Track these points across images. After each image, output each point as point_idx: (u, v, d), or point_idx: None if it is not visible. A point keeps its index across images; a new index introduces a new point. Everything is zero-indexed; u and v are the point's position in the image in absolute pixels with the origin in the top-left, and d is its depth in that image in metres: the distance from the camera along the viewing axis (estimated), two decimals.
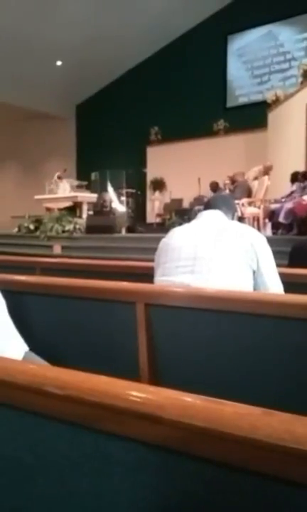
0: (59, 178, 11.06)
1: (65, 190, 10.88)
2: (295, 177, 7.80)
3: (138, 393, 0.62)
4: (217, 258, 1.80)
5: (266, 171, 8.77)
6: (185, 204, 12.16)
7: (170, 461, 0.61)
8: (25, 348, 1.25)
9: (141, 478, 0.64)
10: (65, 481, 0.71)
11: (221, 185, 10.05)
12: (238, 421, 0.56)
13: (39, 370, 0.73)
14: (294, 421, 0.55)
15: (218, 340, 1.47)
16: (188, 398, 0.61)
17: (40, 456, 0.73)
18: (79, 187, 11.25)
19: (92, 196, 10.66)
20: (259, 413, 0.57)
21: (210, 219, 2.03)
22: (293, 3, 12.00)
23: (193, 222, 2.09)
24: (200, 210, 2.27)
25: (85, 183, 11.70)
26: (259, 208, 8.28)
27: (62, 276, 1.99)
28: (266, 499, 0.56)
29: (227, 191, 9.38)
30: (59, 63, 14.15)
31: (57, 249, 8.40)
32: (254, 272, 1.84)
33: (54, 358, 1.29)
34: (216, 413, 0.57)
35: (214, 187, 10.14)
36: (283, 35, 12.94)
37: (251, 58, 13.56)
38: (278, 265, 1.92)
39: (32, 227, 9.80)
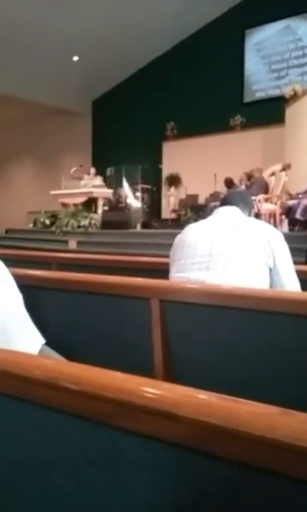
0: (96, 174, 11.12)
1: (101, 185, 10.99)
2: None
3: (153, 390, 0.62)
4: (233, 255, 1.79)
5: (285, 168, 8.71)
6: (201, 200, 12.12)
7: (186, 459, 0.61)
8: (42, 341, 1.25)
9: (156, 476, 0.63)
10: (79, 476, 0.71)
11: (236, 181, 9.98)
12: (255, 420, 0.55)
13: (54, 365, 0.72)
14: None
15: (233, 338, 1.46)
16: (204, 396, 0.60)
17: (54, 451, 0.73)
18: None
19: (108, 192, 10.68)
20: (277, 412, 0.56)
21: (227, 215, 2.01)
22: None
23: (209, 218, 2.08)
24: (215, 207, 2.25)
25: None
26: (275, 204, 8.22)
27: (77, 271, 1.99)
28: (282, 499, 0.56)
29: (243, 187, 9.32)
30: (75, 58, 14.15)
31: (72, 244, 8.44)
32: (270, 270, 1.82)
33: (68, 353, 1.29)
34: (232, 412, 0.57)
35: (229, 183, 10.08)
36: (302, 29, 12.78)
37: (269, 53, 13.42)
38: (295, 262, 1.90)
39: (48, 222, 9.87)
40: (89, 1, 11.69)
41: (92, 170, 11.31)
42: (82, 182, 11.18)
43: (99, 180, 11.07)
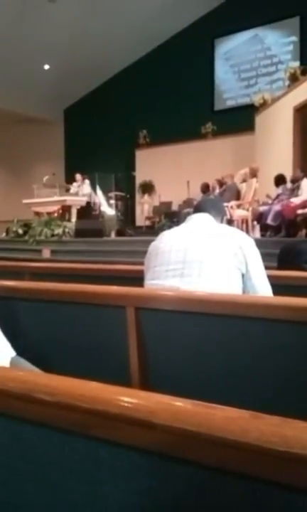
0: (82, 177, 10.97)
1: (89, 190, 10.87)
2: (278, 180, 7.86)
3: (129, 399, 0.62)
4: (206, 261, 1.80)
5: (253, 172, 8.82)
6: (174, 207, 12.20)
7: (162, 466, 0.61)
8: (12, 353, 1.24)
9: (134, 484, 0.64)
10: (57, 487, 0.71)
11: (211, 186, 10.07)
12: (228, 425, 0.56)
13: (29, 377, 0.72)
14: (283, 424, 0.56)
15: (208, 343, 1.47)
16: (179, 403, 0.61)
17: (31, 462, 0.72)
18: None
19: (81, 200, 10.64)
20: (249, 416, 0.57)
21: (200, 222, 2.03)
22: (279, 7, 12.11)
23: (183, 225, 2.09)
24: (189, 213, 2.27)
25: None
26: (247, 210, 8.32)
27: (51, 280, 1.98)
28: (257, 502, 0.57)
29: (216, 193, 9.42)
30: (46, 67, 14.13)
31: (46, 253, 8.38)
32: (243, 275, 1.85)
33: (44, 363, 1.29)
34: (207, 417, 0.58)
35: (205, 188, 10.15)
36: (270, 38, 13.04)
37: (239, 62, 13.64)
38: (267, 267, 1.93)
39: (21, 231, 9.76)
40: (59, 10, 11.69)
41: (78, 176, 11.13)
42: (72, 190, 11.11)
43: (88, 187, 10.95)
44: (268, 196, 8.21)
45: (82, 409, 0.63)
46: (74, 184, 11.19)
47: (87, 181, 11.06)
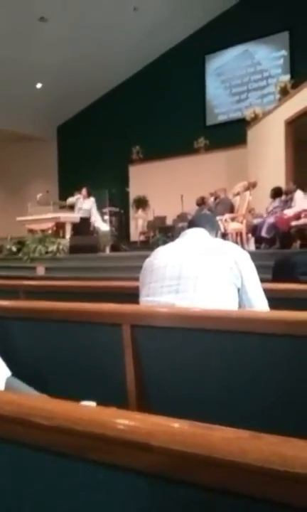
0: (87, 193, 10.83)
1: (91, 208, 10.76)
2: (276, 193, 7.90)
3: (126, 421, 0.62)
4: (201, 277, 1.80)
5: (250, 187, 8.90)
6: (169, 221, 12.22)
7: (161, 487, 0.61)
8: (7, 373, 1.23)
9: (133, 506, 0.63)
10: (56, 511, 0.69)
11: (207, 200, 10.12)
12: (227, 445, 0.56)
13: (25, 401, 0.72)
14: (283, 443, 0.55)
15: (205, 360, 1.47)
16: (176, 424, 0.61)
17: (29, 486, 0.71)
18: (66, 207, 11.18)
19: (75, 216, 10.65)
20: (247, 436, 0.57)
21: (194, 237, 2.04)
22: (268, 22, 12.32)
23: (177, 240, 2.10)
24: (183, 228, 2.28)
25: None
26: (241, 223, 8.35)
27: (46, 298, 1.97)
28: None
29: (211, 203, 9.48)
30: (39, 86, 14.26)
31: (40, 270, 8.35)
32: (238, 289, 1.84)
33: (39, 383, 1.28)
34: (205, 438, 0.57)
35: (201, 201, 10.19)
36: (260, 53, 13.24)
37: (229, 77, 13.82)
38: (262, 279, 1.93)
39: (14, 249, 9.74)
40: (50, 29, 11.84)
41: (84, 191, 11.00)
42: (70, 200, 11.03)
43: (89, 203, 10.82)
44: (251, 213, 8.25)
45: (80, 433, 0.63)
46: (75, 197, 11.03)
47: (93, 199, 10.94)
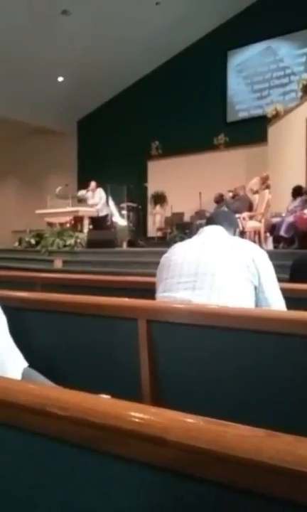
0: (96, 185, 10.89)
1: (101, 198, 10.80)
2: (296, 192, 7.81)
3: (141, 415, 0.62)
4: (218, 274, 1.80)
5: (264, 181, 8.82)
6: (186, 218, 12.20)
7: (174, 483, 0.61)
8: (24, 364, 1.24)
9: (145, 501, 0.63)
10: (68, 503, 0.70)
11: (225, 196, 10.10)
12: (242, 443, 0.55)
13: (41, 391, 0.72)
14: (297, 442, 0.55)
15: (220, 357, 1.46)
16: (192, 420, 0.61)
17: (42, 477, 0.72)
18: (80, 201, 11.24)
19: (94, 210, 10.69)
20: (263, 435, 0.57)
21: (212, 235, 2.03)
22: (292, 19, 12.17)
23: (195, 237, 2.09)
24: (201, 224, 2.27)
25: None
26: (260, 221, 8.30)
27: (62, 291, 1.99)
28: None
29: (229, 199, 9.46)
30: (60, 79, 14.30)
31: (58, 263, 8.41)
32: (255, 288, 1.84)
33: (55, 375, 1.28)
34: (220, 435, 0.57)
35: (219, 198, 10.16)
36: (283, 50, 13.09)
37: (251, 73, 13.70)
38: (279, 279, 1.92)
39: (33, 241, 9.83)
40: (73, 22, 11.86)
41: (92, 184, 11.04)
42: (79, 193, 11.12)
43: (97, 197, 10.85)
44: (267, 210, 8.22)
45: (94, 425, 0.63)
46: (84, 191, 11.10)
47: (99, 190, 10.96)
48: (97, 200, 10.76)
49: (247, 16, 13.11)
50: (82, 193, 11.10)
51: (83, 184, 12.32)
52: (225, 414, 0.65)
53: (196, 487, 0.59)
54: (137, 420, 0.61)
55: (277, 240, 7.58)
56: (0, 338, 1.23)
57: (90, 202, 10.75)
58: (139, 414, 0.62)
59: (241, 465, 0.54)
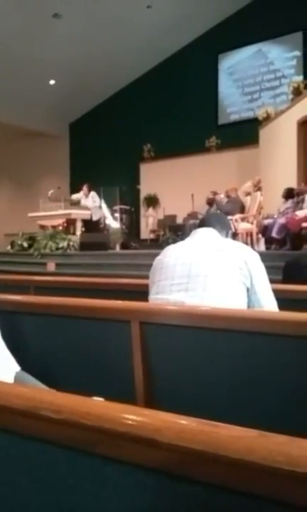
0: (88, 189, 10.88)
1: (94, 202, 10.78)
2: (288, 194, 7.86)
3: (134, 417, 0.62)
4: (211, 276, 1.80)
5: (257, 184, 8.88)
6: (179, 220, 12.22)
7: (167, 484, 0.61)
8: (16, 368, 1.24)
9: (138, 502, 0.63)
10: (62, 505, 0.70)
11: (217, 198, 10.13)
12: (234, 444, 0.56)
13: (34, 394, 0.72)
14: (289, 442, 0.56)
15: (213, 359, 1.47)
16: (184, 421, 0.61)
17: (36, 480, 0.72)
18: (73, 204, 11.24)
19: (86, 213, 10.68)
20: (255, 435, 0.57)
21: (204, 237, 2.04)
22: (282, 22, 12.24)
23: (187, 239, 2.10)
24: (194, 225, 2.28)
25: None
26: (252, 223, 8.33)
27: (56, 294, 1.99)
28: None
29: (221, 199, 9.49)
30: (52, 82, 14.29)
31: (51, 266, 8.39)
32: (248, 290, 1.84)
33: (48, 378, 1.29)
34: (212, 436, 0.58)
35: (211, 201, 10.21)
36: (273, 53, 13.16)
37: (242, 76, 13.76)
38: (271, 280, 1.93)
39: (25, 244, 9.80)
40: (64, 26, 11.85)
41: (85, 187, 11.03)
42: (74, 196, 11.13)
43: (91, 201, 10.85)
44: (258, 212, 8.25)
45: (87, 427, 0.63)
46: (78, 194, 11.10)
47: (93, 193, 10.97)
48: (91, 203, 10.76)
49: (238, 20, 13.17)
50: (76, 196, 11.11)
51: (75, 187, 12.32)
52: (219, 416, 0.65)
53: (189, 488, 0.59)
54: (129, 422, 0.61)
55: (269, 242, 7.61)
56: None
57: (83, 204, 10.76)
58: (131, 416, 0.62)
59: (233, 465, 0.55)
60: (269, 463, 0.53)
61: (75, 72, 13.57)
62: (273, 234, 7.20)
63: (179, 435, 0.58)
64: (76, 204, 10.95)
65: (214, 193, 10.09)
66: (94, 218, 10.66)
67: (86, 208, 10.65)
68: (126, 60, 13.75)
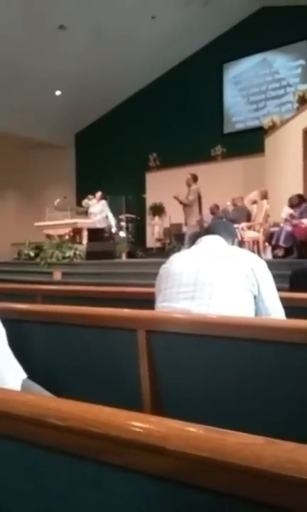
0: (101, 196, 10.88)
1: (102, 211, 10.82)
2: (301, 199, 7.81)
3: (141, 424, 0.62)
4: (217, 284, 1.80)
5: (263, 195, 8.88)
6: (185, 228, 12.22)
7: (174, 492, 0.60)
8: (23, 376, 1.24)
9: (145, 510, 0.63)
10: None
11: (221, 208, 10.15)
12: (242, 451, 0.55)
13: (41, 402, 0.72)
14: (298, 449, 0.55)
15: (220, 367, 1.46)
16: (191, 428, 0.61)
17: (42, 488, 0.72)
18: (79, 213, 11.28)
19: (92, 222, 10.72)
20: (262, 442, 0.56)
21: (210, 244, 2.03)
22: (287, 31, 12.31)
23: (193, 247, 2.09)
24: (194, 235, 2.28)
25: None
26: (258, 231, 8.32)
27: (63, 303, 1.99)
28: None
29: (228, 207, 9.52)
30: (58, 93, 14.41)
31: (57, 275, 8.40)
32: (255, 297, 1.84)
33: (55, 386, 1.28)
34: (219, 443, 0.57)
35: (214, 210, 10.24)
36: (278, 62, 13.23)
37: (247, 85, 13.83)
38: (279, 289, 1.92)
39: (32, 254, 9.83)
40: (69, 37, 11.97)
41: (98, 194, 10.96)
42: (84, 203, 11.16)
43: (99, 207, 10.91)
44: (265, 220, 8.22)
45: (94, 435, 0.63)
46: (90, 200, 11.12)
47: (104, 201, 10.99)
48: (98, 210, 10.77)
49: (242, 29, 13.28)
50: (85, 201, 11.13)
51: (82, 196, 12.36)
52: (226, 424, 0.65)
53: (196, 496, 0.58)
54: (136, 429, 0.61)
55: (276, 250, 7.59)
56: None
57: (91, 210, 10.78)
58: (138, 423, 0.62)
59: (241, 473, 0.54)
60: (277, 470, 0.52)
61: (81, 83, 13.69)
62: (281, 243, 7.18)
63: (187, 442, 0.58)
64: (82, 214, 10.98)
65: (216, 206, 10.17)
66: (99, 226, 10.68)
67: (92, 214, 10.67)
68: (131, 70, 13.86)
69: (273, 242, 7.40)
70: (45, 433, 0.67)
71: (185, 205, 9.04)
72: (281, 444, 0.56)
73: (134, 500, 0.63)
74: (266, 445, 0.56)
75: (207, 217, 9.97)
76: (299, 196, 7.83)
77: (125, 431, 0.61)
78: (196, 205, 8.93)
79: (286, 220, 7.67)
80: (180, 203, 9.19)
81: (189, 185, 9.09)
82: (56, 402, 0.73)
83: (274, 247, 7.58)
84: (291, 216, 7.61)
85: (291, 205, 7.82)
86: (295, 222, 7.13)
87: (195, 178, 9.13)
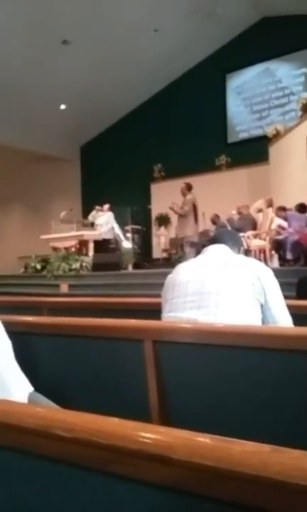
0: (109, 208, 10.91)
1: (108, 222, 10.85)
2: (301, 209, 7.84)
3: (147, 434, 0.62)
4: (224, 292, 1.80)
5: (269, 203, 8.89)
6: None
7: (181, 502, 0.60)
8: (30, 389, 1.24)
9: None
10: None
11: (227, 217, 10.18)
12: (248, 459, 0.55)
13: (46, 413, 0.72)
14: (304, 457, 0.55)
15: (228, 376, 1.45)
16: (198, 438, 0.60)
17: (49, 500, 0.71)
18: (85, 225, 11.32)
19: (98, 234, 10.76)
20: (269, 450, 0.56)
21: (216, 253, 2.04)
22: (288, 40, 12.40)
23: (199, 257, 2.10)
24: (205, 245, 2.28)
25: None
26: (264, 240, 8.31)
27: (69, 315, 1.99)
28: None
29: (233, 216, 9.52)
30: (63, 107, 14.55)
31: (64, 287, 8.42)
32: (261, 306, 1.83)
33: (62, 398, 1.28)
34: (226, 452, 0.57)
35: (215, 219, 10.27)
36: (281, 71, 13.32)
37: (250, 95, 13.91)
38: (286, 297, 1.91)
39: (39, 266, 9.86)
40: (73, 51, 12.12)
41: (106, 206, 11.08)
42: (90, 216, 11.21)
43: (104, 218, 10.94)
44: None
45: (100, 446, 0.63)
46: (94, 212, 11.17)
47: (110, 213, 11.02)
48: (103, 221, 10.81)
49: (245, 39, 13.40)
50: (93, 214, 11.18)
51: (88, 208, 12.42)
52: (234, 433, 0.64)
53: (203, 505, 0.58)
54: (142, 440, 0.61)
55: (282, 258, 7.58)
56: (5, 362, 1.23)
57: (97, 221, 10.82)
58: (144, 433, 0.62)
59: (247, 481, 0.54)
60: (284, 478, 0.52)
61: (85, 96, 13.82)
62: (288, 256, 7.17)
63: (192, 452, 0.57)
64: (87, 226, 11.03)
65: (217, 216, 10.19)
66: (105, 237, 10.72)
67: (98, 225, 10.71)
68: (135, 82, 13.99)
69: (281, 254, 7.41)
70: (50, 444, 0.67)
71: (181, 216, 8.93)
72: (288, 451, 0.56)
73: (141, 510, 0.62)
74: (273, 453, 0.56)
75: (210, 228, 10.00)
76: (301, 205, 7.85)
77: (131, 441, 0.61)
78: (191, 216, 8.80)
79: (277, 233, 7.68)
80: (175, 213, 9.11)
81: (184, 195, 8.99)
82: (62, 413, 0.73)
83: (282, 261, 7.57)
84: (280, 227, 7.62)
85: (279, 216, 7.85)
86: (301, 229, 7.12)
87: (189, 187, 9.02)
